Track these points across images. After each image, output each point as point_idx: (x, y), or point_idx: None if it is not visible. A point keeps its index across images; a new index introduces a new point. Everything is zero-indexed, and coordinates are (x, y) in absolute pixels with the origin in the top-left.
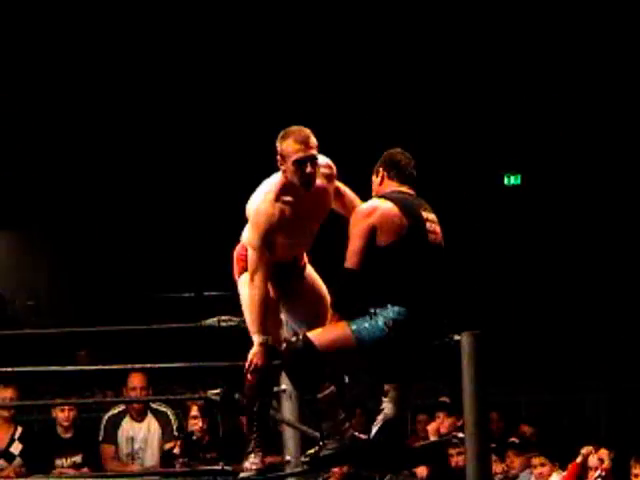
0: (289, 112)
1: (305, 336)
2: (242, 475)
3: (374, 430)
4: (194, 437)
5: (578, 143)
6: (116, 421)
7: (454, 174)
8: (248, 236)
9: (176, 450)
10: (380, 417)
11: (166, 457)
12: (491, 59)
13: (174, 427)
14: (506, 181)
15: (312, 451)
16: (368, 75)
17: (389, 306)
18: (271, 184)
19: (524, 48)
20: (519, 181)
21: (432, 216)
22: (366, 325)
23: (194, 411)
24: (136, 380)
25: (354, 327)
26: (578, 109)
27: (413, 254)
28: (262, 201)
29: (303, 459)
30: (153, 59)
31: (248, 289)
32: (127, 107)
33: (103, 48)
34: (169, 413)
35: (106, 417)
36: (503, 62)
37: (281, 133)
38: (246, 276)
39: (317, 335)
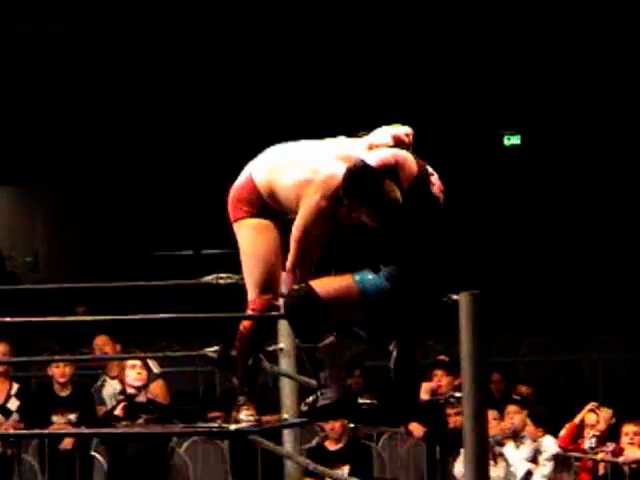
0: (272, 79)
1: (308, 284)
2: (238, 427)
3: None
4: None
5: (577, 104)
6: (99, 386)
7: (454, 134)
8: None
9: (118, 412)
10: (391, 368)
11: (106, 419)
12: (491, 21)
13: (153, 368)
14: (506, 141)
15: (310, 400)
16: (369, 35)
17: (393, 261)
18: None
19: (523, 8)
20: (519, 141)
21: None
22: (370, 277)
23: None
24: (99, 339)
25: (358, 278)
26: (576, 71)
27: (419, 206)
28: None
29: (302, 407)
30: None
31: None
32: (124, 74)
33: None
34: (152, 366)
35: (94, 387)
36: (503, 25)
37: None
38: (249, 222)
39: (321, 283)
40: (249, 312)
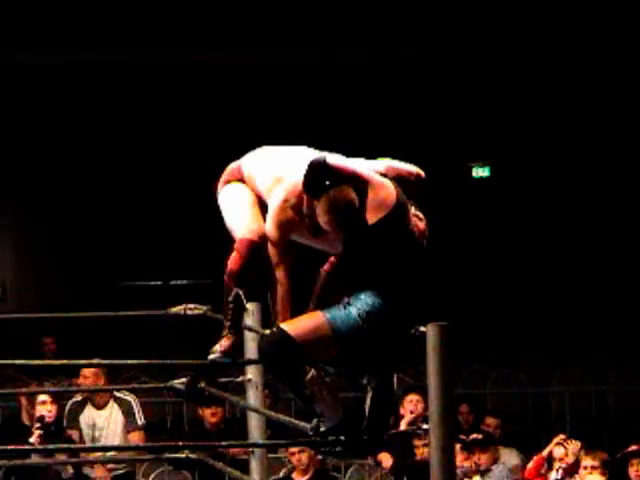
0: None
1: (280, 327)
2: (210, 357)
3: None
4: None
5: (546, 136)
6: (77, 407)
7: (422, 166)
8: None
9: (34, 440)
10: (367, 402)
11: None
12: (458, 53)
13: (137, 417)
14: (474, 173)
15: (314, 424)
16: (336, 70)
17: (362, 297)
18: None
19: (491, 40)
20: (488, 173)
21: (419, 213)
22: (341, 314)
23: (43, 397)
24: (86, 369)
25: (329, 315)
26: (545, 104)
27: (392, 239)
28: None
29: (309, 432)
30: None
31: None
32: (96, 106)
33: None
34: (132, 401)
35: (69, 403)
36: (470, 57)
37: None
38: (228, 185)
39: (293, 326)
40: (234, 253)
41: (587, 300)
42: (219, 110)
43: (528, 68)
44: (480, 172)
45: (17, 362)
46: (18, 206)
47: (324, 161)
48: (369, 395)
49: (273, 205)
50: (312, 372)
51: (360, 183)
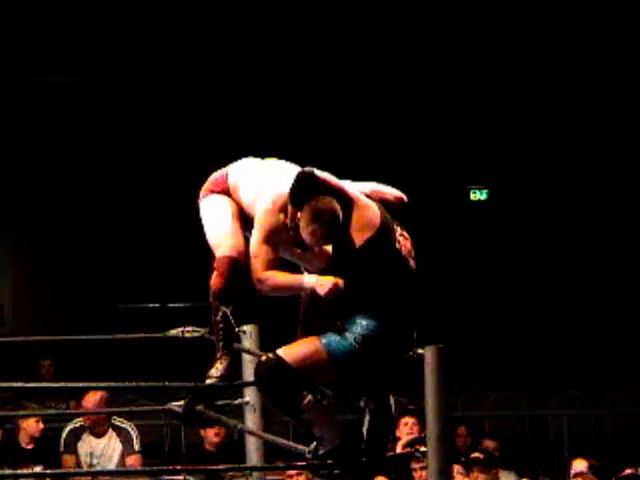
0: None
1: (276, 354)
2: (207, 382)
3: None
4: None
5: (544, 159)
6: (77, 434)
7: (420, 189)
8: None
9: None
10: (365, 425)
11: None
12: (458, 76)
13: (135, 443)
14: (472, 196)
15: (312, 447)
16: (335, 91)
17: (357, 320)
18: None
19: (489, 63)
20: (485, 196)
21: (404, 233)
22: (336, 339)
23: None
24: (89, 402)
25: (324, 341)
26: (542, 127)
27: (383, 259)
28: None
29: (306, 455)
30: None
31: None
32: (89, 125)
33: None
34: (130, 429)
35: (67, 429)
36: (468, 79)
37: None
38: (211, 196)
39: (288, 351)
40: (214, 272)
41: (586, 322)
42: (217, 132)
43: (526, 95)
44: (478, 195)
45: (14, 385)
46: (15, 228)
47: (312, 172)
48: (367, 418)
49: (258, 215)
50: (309, 397)
51: (345, 200)
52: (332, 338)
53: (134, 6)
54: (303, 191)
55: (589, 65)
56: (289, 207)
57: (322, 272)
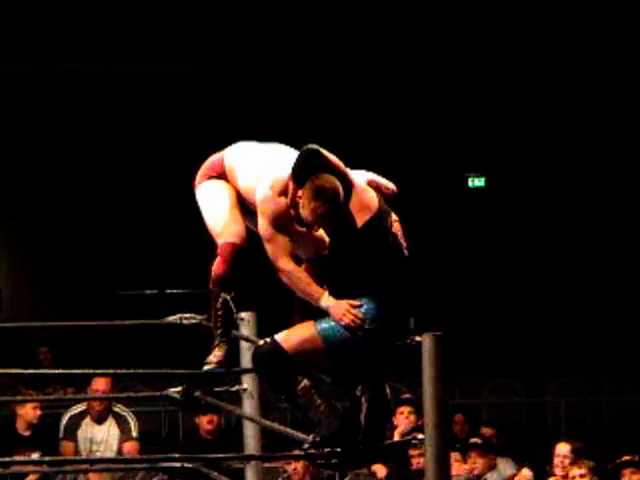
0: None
1: (273, 339)
2: (205, 368)
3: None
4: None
5: (540, 147)
6: (76, 420)
7: (418, 176)
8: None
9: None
10: (363, 412)
11: None
12: (455, 63)
13: (132, 429)
14: (470, 184)
15: (310, 439)
16: (334, 78)
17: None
18: None
19: (486, 51)
20: (483, 184)
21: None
22: (332, 325)
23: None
24: (100, 384)
25: (320, 327)
26: (540, 114)
27: (381, 242)
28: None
29: (305, 447)
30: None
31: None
32: (85, 115)
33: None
34: (128, 417)
35: (67, 416)
36: (465, 67)
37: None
38: (208, 181)
39: (285, 337)
40: (217, 258)
41: (583, 310)
42: (215, 120)
43: (523, 81)
44: (476, 182)
45: (12, 371)
46: (13, 215)
47: (317, 150)
48: (365, 406)
49: (260, 202)
50: (304, 382)
51: (346, 181)
52: (328, 324)
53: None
54: (307, 168)
55: (587, 53)
56: (290, 185)
57: (319, 256)
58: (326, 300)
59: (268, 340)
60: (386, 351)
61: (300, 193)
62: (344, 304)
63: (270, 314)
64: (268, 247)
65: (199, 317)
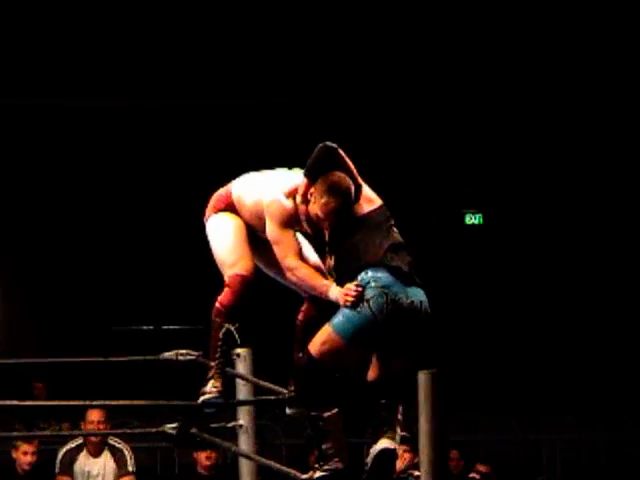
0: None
1: (307, 350)
2: (203, 398)
3: (370, 460)
4: None
5: (538, 183)
6: (72, 455)
7: (415, 213)
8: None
9: None
10: (375, 448)
11: None
12: (452, 100)
13: (129, 463)
14: (467, 220)
15: (307, 476)
16: (330, 112)
17: (366, 277)
18: None
19: (484, 87)
20: (480, 221)
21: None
22: (341, 316)
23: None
24: (94, 415)
25: (332, 323)
26: (536, 153)
27: (382, 230)
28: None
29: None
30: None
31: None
32: (75, 150)
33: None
34: (125, 450)
35: (63, 450)
36: (463, 104)
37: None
38: (218, 214)
39: (310, 345)
40: (225, 288)
41: (579, 348)
42: (209, 156)
43: (521, 120)
44: (473, 219)
45: (7, 403)
46: (6, 250)
47: (334, 147)
48: (373, 448)
49: (267, 207)
50: (335, 410)
51: (356, 184)
52: (339, 317)
53: (129, 30)
54: (322, 164)
55: (580, 93)
56: (303, 179)
57: (319, 238)
58: (334, 291)
59: (301, 354)
60: (402, 313)
61: (312, 190)
62: (344, 288)
63: (267, 350)
64: (276, 249)
65: (195, 353)
